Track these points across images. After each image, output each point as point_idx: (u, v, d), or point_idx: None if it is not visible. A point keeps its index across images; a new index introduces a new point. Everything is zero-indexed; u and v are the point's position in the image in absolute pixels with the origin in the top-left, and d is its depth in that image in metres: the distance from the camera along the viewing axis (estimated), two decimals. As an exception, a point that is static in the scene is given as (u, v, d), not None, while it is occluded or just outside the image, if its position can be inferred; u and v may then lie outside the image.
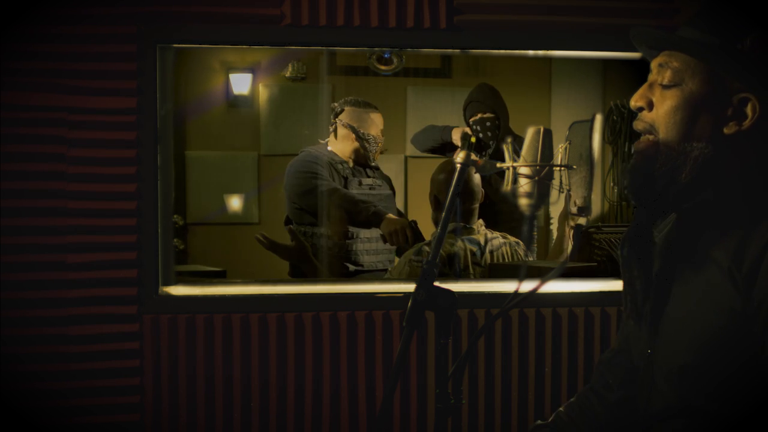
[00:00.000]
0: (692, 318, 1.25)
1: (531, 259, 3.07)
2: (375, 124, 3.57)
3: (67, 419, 2.37)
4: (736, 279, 1.19)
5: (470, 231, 3.03)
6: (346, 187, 3.53)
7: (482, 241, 3.01)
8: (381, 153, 3.67)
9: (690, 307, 1.27)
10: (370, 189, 3.59)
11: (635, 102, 1.31)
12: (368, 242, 3.48)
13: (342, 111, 3.60)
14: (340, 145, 3.58)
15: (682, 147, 1.25)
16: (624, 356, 1.52)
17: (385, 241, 3.37)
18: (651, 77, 1.31)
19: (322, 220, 3.52)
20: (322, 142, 3.68)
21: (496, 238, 3.06)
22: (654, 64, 1.31)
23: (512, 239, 3.11)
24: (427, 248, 3.00)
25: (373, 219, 3.41)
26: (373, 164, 3.62)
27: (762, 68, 1.22)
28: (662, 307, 1.31)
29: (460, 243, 2.96)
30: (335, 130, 3.59)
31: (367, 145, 3.57)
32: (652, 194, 1.29)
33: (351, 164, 3.58)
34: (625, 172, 1.32)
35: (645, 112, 1.30)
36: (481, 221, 3.12)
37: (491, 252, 3.00)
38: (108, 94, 2.36)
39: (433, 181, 3.15)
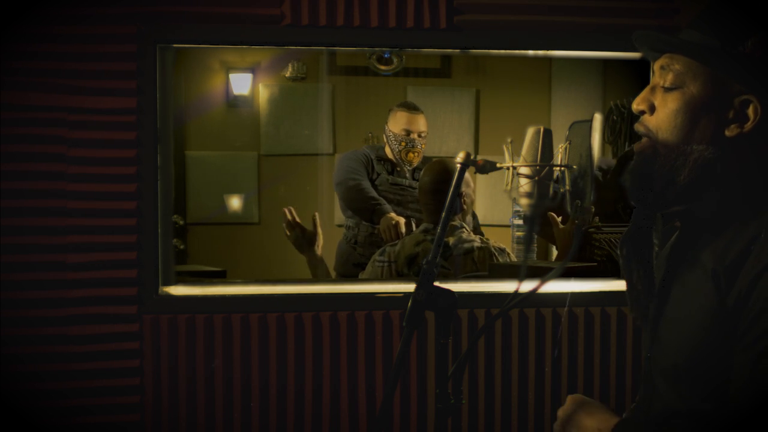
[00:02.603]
0: (682, 319, 1.26)
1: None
2: (399, 122, 3.59)
3: (68, 419, 2.37)
4: (720, 279, 1.19)
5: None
6: (375, 182, 3.59)
7: (450, 242, 2.93)
8: (411, 156, 3.63)
9: (681, 308, 1.27)
10: (400, 189, 3.61)
11: (637, 105, 1.31)
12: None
13: (391, 110, 3.68)
14: (385, 141, 3.67)
15: (682, 149, 1.25)
16: None
17: (381, 238, 3.38)
18: (653, 80, 1.31)
19: (350, 213, 3.63)
20: (365, 146, 3.82)
21: (470, 242, 2.97)
22: (656, 67, 1.31)
23: (495, 245, 3.02)
24: (390, 249, 2.98)
25: (375, 215, 3.46)
26: (407, 167, 3.63)
27: (764, 70, 1.22)
28: (662, 310, 1.32)
29: (427, 244, 2.92)
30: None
31: (389, 142, 3.62)
32: (651, 195, 1.29)
33: (396, 163, 3.63)
34: (626, 173, 1.32)
35: (647, 116, 1.30)
36: (458, 222, 3.06)
37: (458, 255, 2.92)
38: (108, 94, 2.36)
39: (419, 181, 3.13)
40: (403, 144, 3.58)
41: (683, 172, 1.25)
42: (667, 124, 1.26)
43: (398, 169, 3.64)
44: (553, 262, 3.62)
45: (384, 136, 3.68)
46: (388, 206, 3.49)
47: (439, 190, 2.96)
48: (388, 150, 3.67)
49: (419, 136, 3.61)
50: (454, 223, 2.99)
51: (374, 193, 3.53)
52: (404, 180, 3.65)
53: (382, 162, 3.64)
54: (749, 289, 1.15)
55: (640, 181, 1.29)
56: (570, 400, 1.39)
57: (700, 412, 1.23)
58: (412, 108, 3.65)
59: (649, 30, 1.36)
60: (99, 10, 2.34)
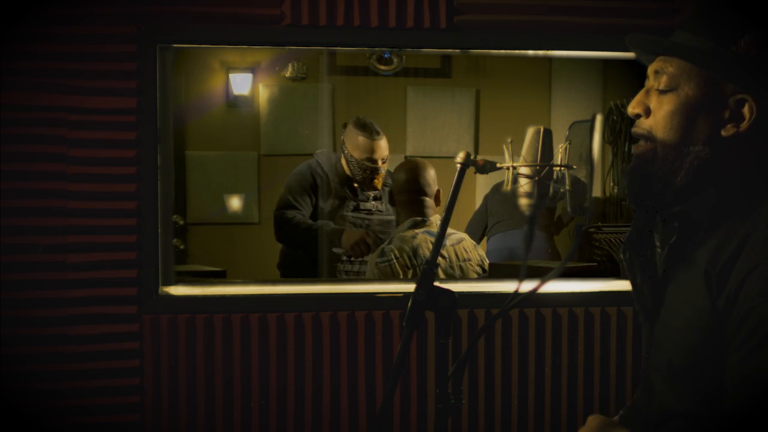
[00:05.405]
0: (677, 319, 1.26)
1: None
2: (360, 149, 3.36)
3: (68, 419, 2.37)
4: (711, 280, 1.19)
5: (428, 224, 3.01)
6: (340, 208, 3.44)
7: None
8: (376, 182, 3.46)
9: (676, 308, 1.27)
10: (368, 214, 3.46)
11: (632, 109, 1.31)
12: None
13: (346, 126, 3.48)
14: (344, 160, 3.45)
15: (679, 150, 1.25)
16: None
17: (349, 256, 3.32)
18: (648, 83, 1.31)
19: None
20: (319, 151, 3.62)
21: (455, 234, 3.06)
22: (650, 70, 1.32)
23: (470, 241, 3.10)
24: (388, 248, 2.99)
25: (332, 237, 3.34)
26: (370, 192, 3.47)
27: (758, 69, 1.22)
28: (659, 311, 1.32)
29: (421, 236, 2.94)
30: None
31: (350, 167, 3.42)
32: (650, 197, 1.29)
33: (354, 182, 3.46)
34: (625, 174, 1.32)
35: (642, 119, 1.30)
36: (438, 216, 3.10)
37: (453, 245, 2.98)
38: (108, 94, 2.36)
39: (394, 179, 3.12)
40: (368, 172, 3.39)
41: (680, 174, 1.25)
42: (664, 126, 1.27)
43: (358, 188, 3.46)
44: (553, 262, 3.63)
45: (342, 154, 3.44)
46: (331, 223, 3.39)
47: (415, 189, 3.00)
48: (345, 167, 3.45)
49: (382, 161, 3.41)
50: (435, 216, 3.05)
51: (309, 221, 3.40)
52: (371, 203, 3.49)
53: (344, 187, 3.45)
54: (737, 290, 1.15)
55: (639, 184, 1.29)
56: (594, 425, 1.31)
57: (697, 414, 1.22)
58: (373, 132, 3.38)
59: (642, 33, 1.36)
60: (99, 10, 2.34)
